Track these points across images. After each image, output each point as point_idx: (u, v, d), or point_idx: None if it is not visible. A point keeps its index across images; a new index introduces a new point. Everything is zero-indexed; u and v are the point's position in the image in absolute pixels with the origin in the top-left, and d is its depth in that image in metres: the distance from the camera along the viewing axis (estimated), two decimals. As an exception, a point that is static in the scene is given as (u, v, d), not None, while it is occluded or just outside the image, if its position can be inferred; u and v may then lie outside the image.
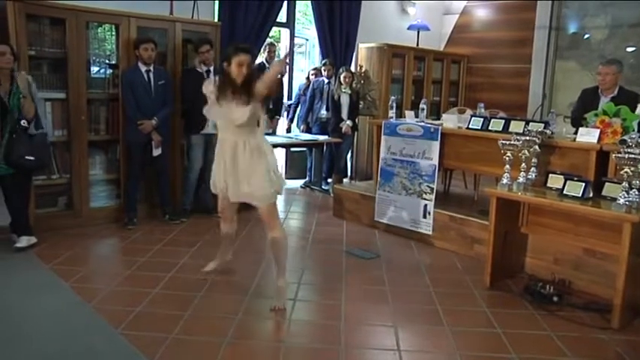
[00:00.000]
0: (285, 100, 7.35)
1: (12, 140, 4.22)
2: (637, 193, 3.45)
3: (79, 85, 4.93)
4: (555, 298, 3.79)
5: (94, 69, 5.23)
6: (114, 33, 5.18)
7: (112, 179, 5.36)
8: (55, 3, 4.78)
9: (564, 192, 3.77)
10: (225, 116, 3.49)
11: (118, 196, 5.37)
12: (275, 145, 6.70)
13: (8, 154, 4.20)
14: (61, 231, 4.87)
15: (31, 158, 4.27)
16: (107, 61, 5.29)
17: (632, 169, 3.40)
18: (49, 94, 4.82)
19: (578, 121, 4.72)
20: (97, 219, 5.19)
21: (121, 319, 3.28)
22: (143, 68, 5.04)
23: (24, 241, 4.42)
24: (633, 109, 4.34)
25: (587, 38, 7.76)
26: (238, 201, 3.71)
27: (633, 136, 3.77)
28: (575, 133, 4.39)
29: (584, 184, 3.72)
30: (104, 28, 5.26)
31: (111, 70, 5.25)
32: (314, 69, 7.60)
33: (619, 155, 3.47)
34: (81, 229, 4.99)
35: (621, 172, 3.48)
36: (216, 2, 6.31)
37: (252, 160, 3.48)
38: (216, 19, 6.22)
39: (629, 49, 7.29)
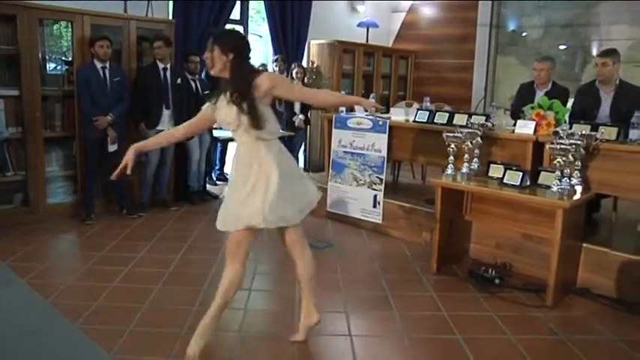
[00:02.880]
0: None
1: None
2: (568, 181, 3.71)
3: (33, 82, 4.91)
4: (497, 281, 4.00)
5: (50, 66, 5.21)
6: (70, 30, 5.16)
7: (68, 175, 5.35)
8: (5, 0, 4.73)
9: (504, 181, 4.00)
10: None
11: (75, 191, 5.38)
12: (229, 140, 6.82)
13: None
14: (18, 227, 4.85)
15: None
16: (63, 58, 5.28)
17: (564, 158, 3.64)
18: (1, 91, 4.78)
19: (516, 114, 4.91)
20: (55, 215, 5.18)
21: (79, 313, 3.31)
22: (99, 65, 5.07)
23: (-21, 239, 4.41)
24: (565, 103, 4.62)
25: (525, 36, 8.15)
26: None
27: (564, 128, 4.03)
28: (514, 125, 4.62)
29: (521, 173, 3.96)
30: (60, 25, 5.24)
31: (66, 67, 5.24)
32: (261, 64, 7.71)
33: (552, 146, 3.70)
34: (38, 225, 4.98)
35: (554, 162, 3.71)
36: (170, 0, 6.33)
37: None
38: (170, 17, 6.25)
39: (561, 47, 7.73)
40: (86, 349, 2.96)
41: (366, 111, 3.24)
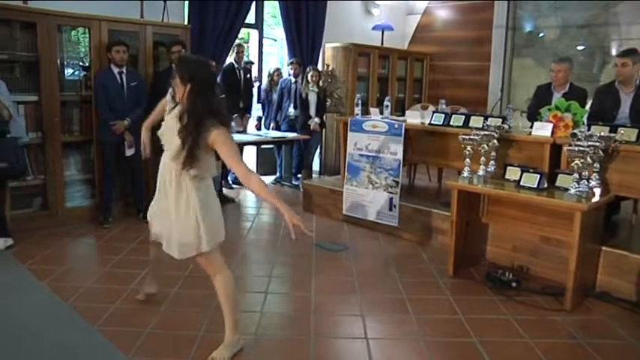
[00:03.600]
0: (254, 99, 7.47)
1: None
2: (586, 183, 3.67)
3: (52, 88, 4.98)
4: (514, 284, 3.96)
5: (68, 71, 5.28)
6: (87, 36, 5.23)
7: (86, 179, 5.42)
8: (26, 7, 4.82)
9: (521, 183, 3.95)
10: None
11: (93, 195, 5.43)
12: (246, 143, 6.86)
13: None
14: (38, 231, 4.91)
15: (4, 165, 4.32)
16: (80, 64, 5.35)
17: (582, 160, 3.61)
18: (21, 97, 4.85)
19: (533, 116, 4.88)
20: (73, 218, 5.24)
21: (97, 315, 3.34)
22: (116, 70, 5.13)
23: (0, 243, 4.46)
24: (583, 105, 4.57)
25: (542, 37, 8.08)
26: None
27: (582, 129, 3.98)
28: (531, 127, 4.58)
29: (539, 175, 3.91)
30: (77, 32, 5.31)
31: (84, 73, 5.31)
32: (276, 69, 7.77)
33: (570, 148, 3.67)
34: (57, 228, 5.04)
35: (572, 164, 3.67)
36: (186, 5, 6.38)
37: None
38: (186, 22, 6.31)
39: (579, 48, 7.66)
40: (105, 351, 3.01)
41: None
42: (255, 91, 7.41)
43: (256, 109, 7.69)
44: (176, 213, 2.86)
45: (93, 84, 5.16)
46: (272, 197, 2.67)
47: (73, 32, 5.30)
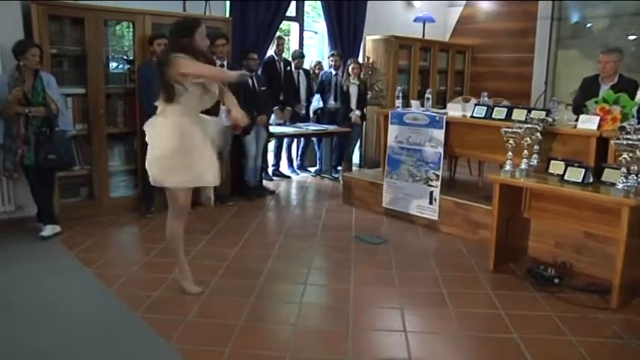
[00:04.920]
0: (302, 92, 7.41)
1: (37, 141, 4.43)
2: (635, 178, 3.54)
3: (98, 81, 5.11)
4: (556, 280, 3.88)
5: (112, 65, 5.43)
6: (131, 30, 5.36)
7: (130, 170, 5.54)
8: (75, 3, 4.97)
9: (565, 178, 3.86)
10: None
11: (136, 185, 5.56)
12: (286, 135, 6.91)
13: (36, 154, 4.42)
14: (84, 220, 5.07)
15: (53, 157, 4.47)
16: (124, 57, 5.48)
17: (631, 154, 3.50)
18: (69, 89, 5.01)
19: (579, 109, 4.77)
20: (117, 208, 5.38)
21: (140, 302, 3.42)
22: (158, 63, 5.21)
23: (49, 230, 4.63)
24: (632, 97, 4.41)
25: (590, 27, 7.84)
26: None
27: (632, 122, 3.81)
28: (577, 120, 4.48)
29: (584, 169, 3.81)
30: (122, 26, 5.45)
31: (128, 66, 5.44)
32: (317, 62, 7.77)
33: (618, 142, 3.57)
34: (102, 217, 5.18)
35: (620, 158, 3.57)
36: (228, -1, 6.45)
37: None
38: (227, 15, 6.37)
39: (631, 38, 7.38)
40: (146, 337, 3.09)
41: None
42: (302, 82, 7.34)
43: (316, 100, 7.64)
44: None
45: (136, 77, 5.27)
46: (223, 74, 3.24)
47: (118, 26, 5.44)
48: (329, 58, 7.46)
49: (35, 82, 4.43)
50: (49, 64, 4.77)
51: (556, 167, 4.06)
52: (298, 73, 7.21)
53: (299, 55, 7.28)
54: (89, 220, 5.08)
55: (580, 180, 3.80)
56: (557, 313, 3.46)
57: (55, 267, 4.07)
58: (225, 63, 5.61)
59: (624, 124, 3.89)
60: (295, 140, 7.71)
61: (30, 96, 4.40)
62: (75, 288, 3.74)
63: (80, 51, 5.05)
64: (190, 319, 3.25)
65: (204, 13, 5.93)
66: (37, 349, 2.91)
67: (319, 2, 7.66)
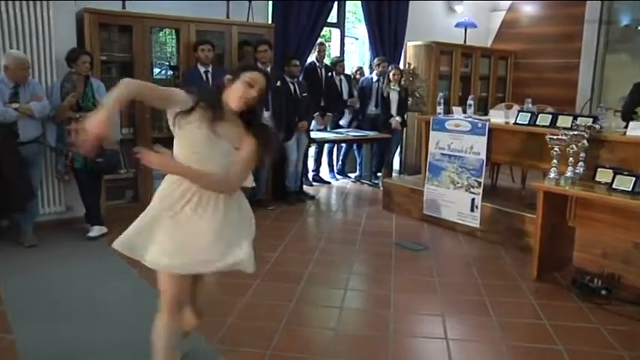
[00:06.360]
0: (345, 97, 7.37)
1: None
2: (687, 187, 3.47)
3: (144, 87, 5.24)
4: (604, 292, 3.78)
5: (155, 70, 5.56)
6: (174, 37, 5.49)
7: (174, 174, 5.64)
8: (124, 12, 5.12)
9: (613, 186, 3.77)
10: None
11: (178, 189, 5.65)
12: (326, 141, 6.93)
13: (85, 157, 4.53)
14: (129, 221, 5.04)
15: (101, 160, 4.58)
16: (168, 63, 5.61)
17: (682, 163, 3.43)
18: (119, 95, 5.15)
19: (628, 115, 4.68)
20: (161, 211, 5.48)
21: (182, 304, 3.51)
22: (202, 69, 5.33)
23: (96, 231, 4.77)
24: (687, 103, 4.31)
25: (641, 30, 7.65)
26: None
27: (684, 130, 3.77)
28: (626, 127, 4.36)
29: (634, 178, 3.71)
30: (165, 33, 5.59)
31: (172, 72, 5.57)
32: (358, 67, 7.77)
33: (670, 150, 3.49)
34: (146, 220, 5.29)
35: (672, 167, 3.48)
36: (270, 4, 6.52)
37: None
38: (269, 21, 6.45)
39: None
40: (188, 339, 3.12)
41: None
42: (345, 88, 7.33)
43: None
44: None
45: (181, 82, 5.38)
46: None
47: (161, 33, 5.58)
48: (376, 65, 7.39)
49: (86, 88, 4.60)
50: (98, 71, 4.93)
51: (603, 175, 3.96)
52: (340, 79, 7.23)
53: (338, 60, 7.30)
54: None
55: (630, 189, 3.70)
56: (605, 326, 3.37)
57: (103, 267, 4.17)
58: (268, 69, 5.67)
59: (677, 131, 3.80)
60: (336, 146, 7.73)
61: (81, 101, 4.56)
62: (122, 288, 3.82)
63: (127, 57, 5.21)
64: (232, 321, 3.30)
65: (247, 20, 6.02)
66: (86, 346, 3.00)
67: (360, 7, 7.66)
